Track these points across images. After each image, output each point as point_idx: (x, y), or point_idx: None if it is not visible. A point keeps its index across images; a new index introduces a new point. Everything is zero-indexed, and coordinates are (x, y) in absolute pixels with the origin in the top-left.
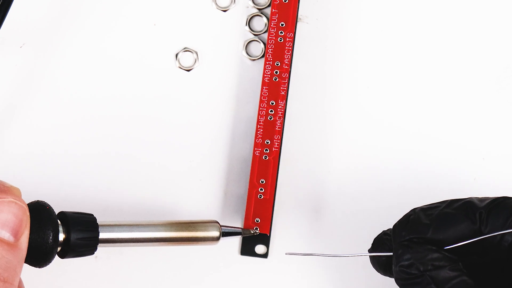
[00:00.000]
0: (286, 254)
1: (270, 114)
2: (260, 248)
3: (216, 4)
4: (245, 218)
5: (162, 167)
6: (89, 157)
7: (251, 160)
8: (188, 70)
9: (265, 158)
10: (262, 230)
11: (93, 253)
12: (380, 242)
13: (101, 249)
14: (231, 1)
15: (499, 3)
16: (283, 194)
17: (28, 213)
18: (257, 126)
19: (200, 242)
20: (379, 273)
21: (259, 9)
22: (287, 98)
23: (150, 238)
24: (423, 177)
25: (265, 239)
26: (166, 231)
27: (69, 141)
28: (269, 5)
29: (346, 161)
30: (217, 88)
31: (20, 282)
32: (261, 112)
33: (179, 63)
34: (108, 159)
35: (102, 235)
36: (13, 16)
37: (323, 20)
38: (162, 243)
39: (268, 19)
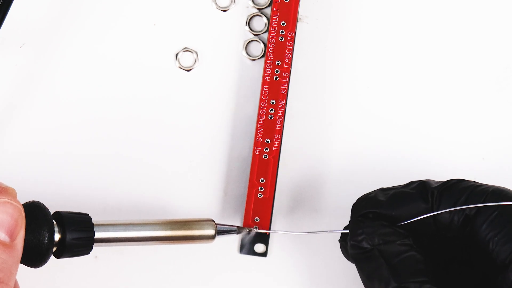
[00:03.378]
0: (268, 232)
1: (270, 114)
2: (259, 247)
3: (216, 4)
4: (244, 217)
5: (162, 167)
6: (88, 158)
7: (251, 159)
8: (188, 70)
9: (265, 157)
10: (261, 229)
11: (89, 252)
12: (347, 227)
13: (101, 249)
14: (231, 1)
15: (499, 3)
16: (283, 193)
17: (23, 214)
18: (257, 126)
19: (195, 240)
20: (347, 260)
21: (259, 9)
22: (287, 98)
23: (146, 237)
24: (424, 177)
25: (264, 238)
26: (161, 230)
27: (69, 141)
28: (269, 5)
29: (346, 161)
30: (217, 88)
31: (16, 283)
32: (261, 112)
33: (179, 63)
34: (108, 159)
35: (98, 235)
36: (13, 16)
37: (323, 20)
38: (158, 242)
39: (268, 19)
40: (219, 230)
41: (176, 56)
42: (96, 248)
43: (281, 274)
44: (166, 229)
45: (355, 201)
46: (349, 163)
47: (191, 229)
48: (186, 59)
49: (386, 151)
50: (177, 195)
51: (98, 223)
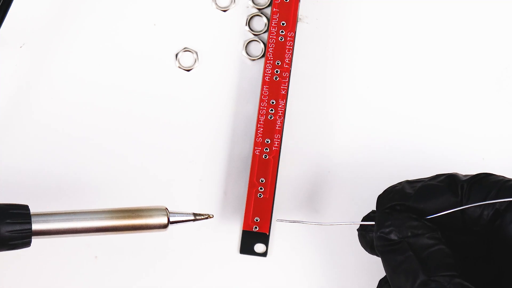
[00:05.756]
0: (276, 220)
1: (270, 114)
2: (259, 247)
3: (216, 4)
4: (244, 217)
5: (162, 167)
6: (88, 157)
7: (251, 159)
8: (188, 70)
9: (265, 157)
10: (261, 229)
11: (29, 245)
12: (369, 217)
13: (101, 249)
14: (231, 1)
15: (499, 4)
16: (283, 193)
17: None
18: (257, 125)
19: (146, 230)
20: (367, 252)
21: (259, 9)
22: (287, 98)
23: (91, 227)
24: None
25: (264, 238)
26: (108, 219)
27: (69, 141)
28: (268, 5)
29: (346, 161)
30: (217, 87)
31: None
32: (261, 112)
33: (179, 63)
34: (108, 159)
35: (36, 227)
36: (13, 16)
37: (323, 20)
38: (104, 232)
39: (268, 19)
40: (173, 219)
41: (176, 56)
42: (96, 248)
43: (281, 274)
44: (112, 219)
45: (380, 193)
46: (349, 163)
47: (140, 218)
48: (186, 59)
49: (387, 151)
50: (177, 195)
51: (37, 213)
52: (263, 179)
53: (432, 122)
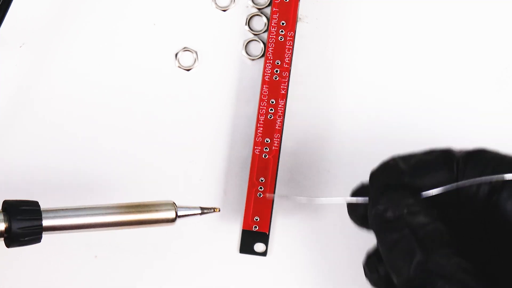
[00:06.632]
0: (267, 196)
1: (270, 113)
2: (259, 246)
3: (216, 4)
4: (244, 216)
5: (162, 167)
6: (88, 157)
7: (250, 159)
8: (188, 70)
9: (264, 156)
10: (261, 229)
11: (40, 241)
12: (359, 191)
13: (101, 249)
14: (231, 1)
15: (499, 4)
16: (283, 193)
17: None
18: (257, 125)
19: (154, 224)
20: (356, 226)
21: (259, 9)
22: (287, 97)
23: (100, 223)
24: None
25: (264, 238)
26: (116, 214)
27: (69, 141)
28: (268, 5)
29: (346, 160)
30: (216, 87)
31: None
32: (261, 111)
33: (179, 63)
34: (108, 159)
35: (47, 223)
36: (13, 16)
37: (323, 19)
38: (113, 227)
39: (267, 18)
40: (180, 212)
41: (176, 56)
42: (96, 248)
43: (280, 274)
44: (121, 213)
45: (373, 169)
46: (349, 163)
47: (149, 212)
48: (186, 59)
49: (387, 152)
50: (177, 195)
51: (47, 209)
52: (263, 179)
53: (432, 122)
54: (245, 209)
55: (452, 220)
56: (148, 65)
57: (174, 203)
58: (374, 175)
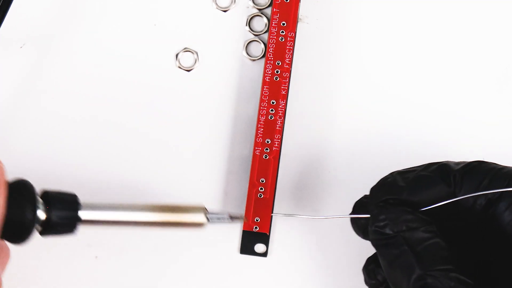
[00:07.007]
0: (272, 214)
1: (271, 114)
2: (259, 247)
3: (216, 4)
4: (245, 217)
5: (162, 167)
6: (88, 157)
7: (251, 160)
8: (188, 70)
9: (265, 157)
10: (262, 229)
11: (74, 232)
12: (361, 205)
13: (101, 249)
14: (231, 1)
15: (499, 4)
16: (283, 193)
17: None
18: (257, 126)
19: (185, 226)
20: (359, 237)
21: (259, 9)
22: (287, 98)
23: (133, 221)
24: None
25: (264, 238)
26: (150, 213)
27: (69, 141)
28: (269, 5)
29: (346, 161)
30: (217, 88)
31: None
32: (261, 112)
33: (179, 63)
34: (108, 159)
35: (84, 215)
36: (13, 16)
37: (323, 20)
38: (145, 225)
39: (268, 19)
40: (211, 218)
41: (176, 56)
42: (96, 248)
43: (281, 274)
44: (155, 213)
45: (373, 185)
46: (350, 163)
47: (181, 214)
48: (186, 59)
49: (387, 153)
50: (177, 195)
51: (85, 203)
52: (263, 179)
53: (432, 123)
54: (245, 210)
55: (450, 232)
56: (148, 66)
57: (205, 207)
58: (373, 191)
